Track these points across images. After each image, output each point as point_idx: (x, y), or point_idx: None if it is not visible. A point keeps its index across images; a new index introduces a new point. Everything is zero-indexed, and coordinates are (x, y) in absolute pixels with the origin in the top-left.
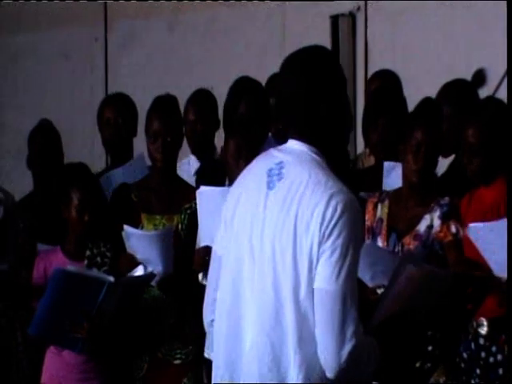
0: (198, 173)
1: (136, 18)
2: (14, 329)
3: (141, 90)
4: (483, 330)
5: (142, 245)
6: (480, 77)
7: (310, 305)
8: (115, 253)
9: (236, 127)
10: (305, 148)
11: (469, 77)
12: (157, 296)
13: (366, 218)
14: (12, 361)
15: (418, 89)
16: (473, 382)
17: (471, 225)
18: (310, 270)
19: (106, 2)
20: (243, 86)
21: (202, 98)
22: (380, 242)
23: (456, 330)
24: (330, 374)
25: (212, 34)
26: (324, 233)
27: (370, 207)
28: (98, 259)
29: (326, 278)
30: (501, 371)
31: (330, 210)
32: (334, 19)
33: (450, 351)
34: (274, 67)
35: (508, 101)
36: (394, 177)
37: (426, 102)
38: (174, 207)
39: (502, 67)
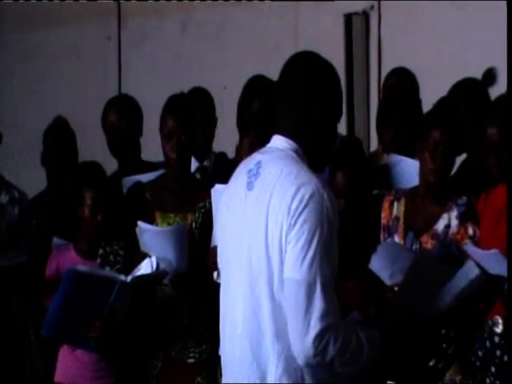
0: (198, 172)
1: (149, 16)
2: (27, 327)
3: (154, 88)
4: (498, 329)
5: (156, 241)
6: (490, 76)
7: (284, 296)
8: (129, 251)
9: (250, 126)
10: (286, 144)
11: (480, 74)
12: (170, 294)
13: (382, 216)
14: (25, 359)
15: (431, 87)
16: (488, 380)
17: (467, 246)
18: (281, 260)
19: (119, 1)
20: (257, 85)
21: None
22: (397, 241)
23: (469, 328)
24: (300, 362)
25: (225, 33)
26: (290, 223)
27: (386, 205)
28: (111, 258)
29: (290, 266)
30: None
31: (296, 200)
32: (348, 18)
33: (464, 350)
34: None
35: (508, 101)
36: (399, 170)
37: (443, 102)
38: (189, 206)
39: None
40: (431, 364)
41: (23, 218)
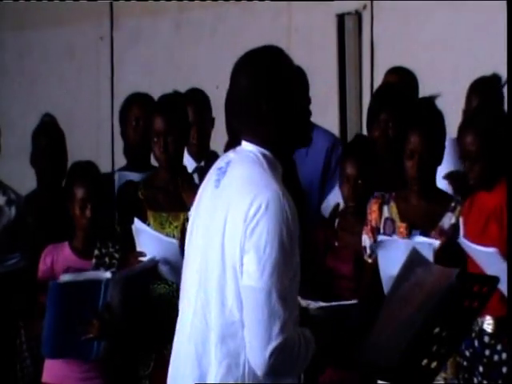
0: (196, 172)
1: (142, 16)
2: (18, 327)
3: (147, 88)
4: (489, 328)
5: (153, 245)
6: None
7: (236, 302)
8: (124, 254)
9: None
10: (253, 148)
11: (474, 75)
12: (163, 293)
13: (370, 218)
14: (16, 359)
15: (423, 87)
16: (475, 380)
17: (462, 240)
18: (235, 267)
19: (112, 1)
20: None
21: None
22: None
23: (462, 328)
24: (258, 372)
25: (218, 33)
26: (247, 230)
27: (374, 208)
28: (106, 259)
29: (250, 275)
30: (504, 370)
31: (253, 207)
32: (340, 18)
33: (457, 349)
34: None
35: (508, 103)
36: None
37: (423, 104)
38: (181, 205)
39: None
40: (423, 364)
41: (20, 220)
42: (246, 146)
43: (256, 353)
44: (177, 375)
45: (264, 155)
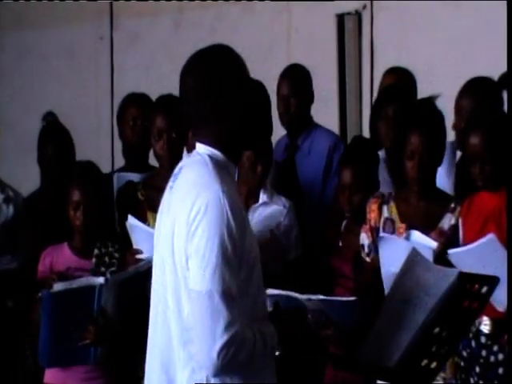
0: None
1: (141, 16)
2: (18, 326)
3: (146, 88)
4: (486, 329)
5: (148, 242)
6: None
7: (188, 306)
8: (123, 254)
9: None
10: (203, 150)
11: (474, 75)
12: None
13: (370, 217)
14: (17, 358)
15: (423, 87)
16: (472, 380)
17: (450, 252)
18: (184, 272)
19: (111, 1)
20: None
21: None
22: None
23: (462, 328)
24: (208, 372)
25: (218, 33)
26: (189, 233)
27: (373, 207)
28: (106, 259)
29: (193, 278)
30: (501, 371)
31: (195, 209)
32: (340, 18)
33: (457, 350)
34: (280, 66)
35: (508, 103)
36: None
37: (423, 107)
38: None
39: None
40: (423, 364)
41: (18, 218)
42: (198, 147)
43: (203, 354)
44: (150, 381)
45: (211, 156)
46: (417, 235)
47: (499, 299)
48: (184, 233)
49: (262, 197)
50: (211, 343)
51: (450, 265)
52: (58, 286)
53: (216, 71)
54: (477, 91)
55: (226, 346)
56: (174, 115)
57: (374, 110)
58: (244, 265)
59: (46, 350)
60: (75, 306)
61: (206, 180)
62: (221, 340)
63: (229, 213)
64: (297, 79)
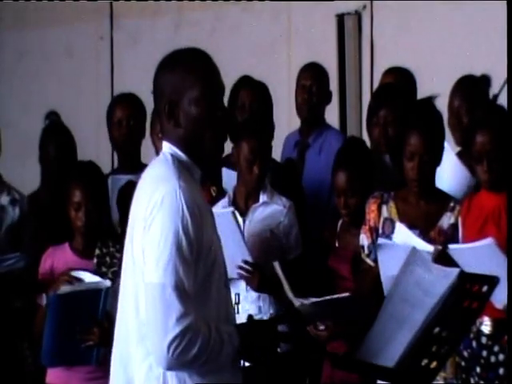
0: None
1: (142, 16)
2: (19, 327)
3: (147, 88)
4: (487, 330)
5: None
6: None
7: (144, 300)
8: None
9: (252, 129)
10: (167, 149)
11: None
12: None
13: (369, 217)
14: (17, 359)
15: (423, 87)
16: (472, 380)
17: (451, 247)
18: (141, 267)
19: (111, 1)
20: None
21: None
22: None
23: (462, 328)
24: (161, 366)
25: (218, 33)
26: (145, 226)
27: (372, 207)
28: (107, 259)
29: (147, 270)
30: (501, 371)
31: (151, 203)
32: (340, 18)
33: (456, 350)
34: (281, 66)
35: (508, 103)
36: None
37: (422, 107)
38: None
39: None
40: (423, 364)
41: (23, 219)
42: (164, 145)
43: (155, 347)
44: (112, 378)
45: (173, 155)
46: (402, 230)
47: (498, 298)
48: (141, 227)
49: (262, 197)
50: (163, 336)
51: (449, 264)
52: (64, 289)
53: (181, 72)
54: (465, 89)
55: (177, 338)
56: None
57: (368, 115)
58: (201, 264)
59: (49, 349)
60: (80, 308)
61: (163, 175)
62: (172, 332)
63: (184, 207)
64: (320, 73)
